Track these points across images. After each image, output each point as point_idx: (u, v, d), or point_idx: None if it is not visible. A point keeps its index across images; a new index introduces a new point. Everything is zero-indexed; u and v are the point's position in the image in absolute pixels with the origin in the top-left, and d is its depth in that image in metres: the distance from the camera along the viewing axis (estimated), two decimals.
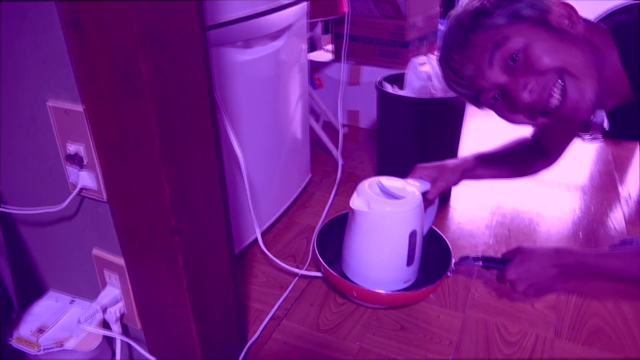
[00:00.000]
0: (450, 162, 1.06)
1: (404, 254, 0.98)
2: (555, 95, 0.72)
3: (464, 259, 0.99)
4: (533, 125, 0.81)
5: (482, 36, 0.75)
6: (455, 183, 1.06)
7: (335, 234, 1.11)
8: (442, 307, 1.04)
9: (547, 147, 1.06)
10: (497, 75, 0.75)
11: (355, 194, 0.99)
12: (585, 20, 0.76)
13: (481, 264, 0.97)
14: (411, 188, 0.99)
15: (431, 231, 1.12)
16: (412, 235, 0.97)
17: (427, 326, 0.99)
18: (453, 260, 1.01)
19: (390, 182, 1.01)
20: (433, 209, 1.10)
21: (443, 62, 0.82)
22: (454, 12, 0.80)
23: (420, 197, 0.98)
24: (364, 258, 1.01)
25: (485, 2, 0.76)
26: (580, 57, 0.72)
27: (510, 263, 0.89)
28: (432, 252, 1.09)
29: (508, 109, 0.78)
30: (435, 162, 1.06)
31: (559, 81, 0.71)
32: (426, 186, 1.02)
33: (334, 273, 1.00)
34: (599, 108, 0.78)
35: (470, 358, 0.92)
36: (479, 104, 0.82)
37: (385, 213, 0.95)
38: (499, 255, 0.99)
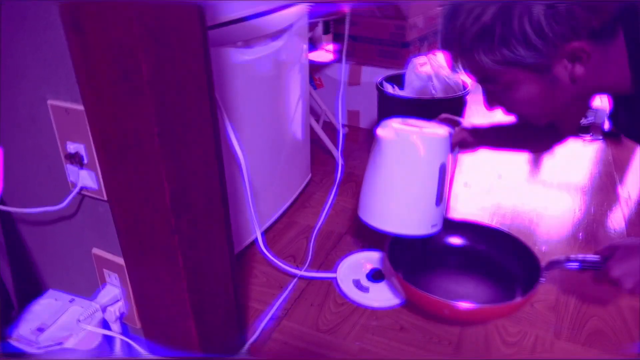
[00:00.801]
0: (473, 123, 1.05)
1: (434, 189, 0.91)
2: None
3: (555, 263, 0.90)
4: None
5: (473, 62, 0.72)
6: (473, 144, 1.03)
7: (406, 251, 1.01)
8: None
9: (557, 122, 1.03)
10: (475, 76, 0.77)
11: (379, 127, 0.94)
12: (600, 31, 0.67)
13: (578, 265, 0.87)
14: (437, 125, 0.96)
15: (506, 237, 1.04)
16: (442, 169, 0.90)
17: (427, 326, 0.99)
18: (544, 265, 0.93)
19: (415, 120, 0.96)
20: (452, 158, 1.04)
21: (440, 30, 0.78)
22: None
23: (448, 132, 0.93)
24: (390, 195, 0.94)
25: (496, 30, 0.66)
26: (551, 105, 0.75)
27: (612, 260, 0.82)
28: (510, 261, 1.01)
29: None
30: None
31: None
32: (449, 130, 0.97)
33: (422, 291, 0.89)
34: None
35: (469, 358, 0.92)
36: None
37: (414, 141, 0.89)
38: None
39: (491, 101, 0.80)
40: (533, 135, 1.07)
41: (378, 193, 0.95)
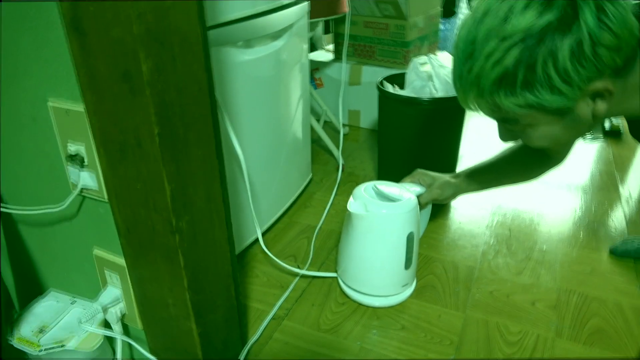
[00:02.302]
0: (448, 175, 1.08)
1: (402, 256, 0.99)
2: None
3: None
4: None
5: (491, 104, 0.68)
6: (450, 197, 1.07)
7: None
8: (442, 307, 1.04)
9: (549, 150, 1.05)
10: (492, 118, 0.74)
11: (351, 198, 1.00)
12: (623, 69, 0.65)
13: None
14: (407, 192, 1.01)
15: None
16: (410, 237, 0.97)
17: (428, 326, 0.99)
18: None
19: (386, 186, 1.03)
20: (426, 213, 1.11)
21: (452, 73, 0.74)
22: (476, 37, 0.64)
23: (416, 200, 0.99)
24: (362, 262, 1.02)
25: (518, 75, 0.63)
26: (567, 137, 0.72)
27: None
28: None
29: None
30: (435, 172, 1.08)
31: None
32: (421, 190, 1.05)
33: None
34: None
35: (471, 358, 0.92)
36: None
37: (382, 215, 0.96)
38: None
39: (506, 137, 0.78)
40: (516, 170, 1.07)
41: (352, 259, 1.03)
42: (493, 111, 0.70)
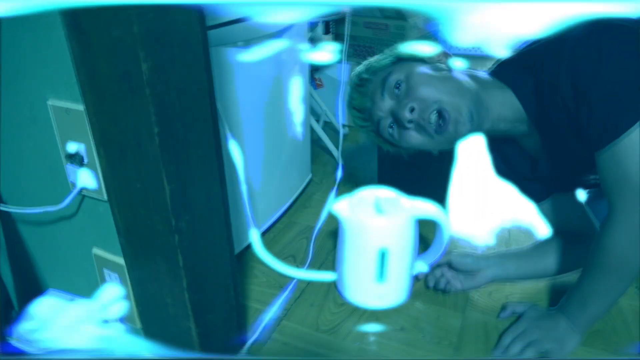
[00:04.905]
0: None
1: (371, 268, 0.97)
2: (434, 115, 0.86)
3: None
4: (433, 149, 0.92)
5: (372, 76, 0.93)
6: (467, 267, 1.06)
7: None
8: (441, 307, 1.04)
9: (571, 225, 1.06)
10: (386, 103, 0.91)
11: (348, 197, 1.01)
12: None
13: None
14: (404, 209, 0.97)
15: None
16: (382, 253, 0.95)
17: (427, 327, 0.99)
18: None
19: (388, 196, 1.01)
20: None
21: (348, 105, 1.00)
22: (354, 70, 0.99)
23: (402, 220, 0.95)
24: (342, 262, 1.03)
25: (374, 56, 0.98)
26: (453, 84, 0.87)
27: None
28: None
29: (401, 130, 0.90)
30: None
31: (436, 105, 0.85)
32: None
33: None
34: (479, 127, 0.89)
35: (469, 358, 0.92)
36: (380, 135, 0.95)
37: (353, 221, 0.96)
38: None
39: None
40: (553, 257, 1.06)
41: (337, 256, 1.06)
42: (374, 81, 0.92)
